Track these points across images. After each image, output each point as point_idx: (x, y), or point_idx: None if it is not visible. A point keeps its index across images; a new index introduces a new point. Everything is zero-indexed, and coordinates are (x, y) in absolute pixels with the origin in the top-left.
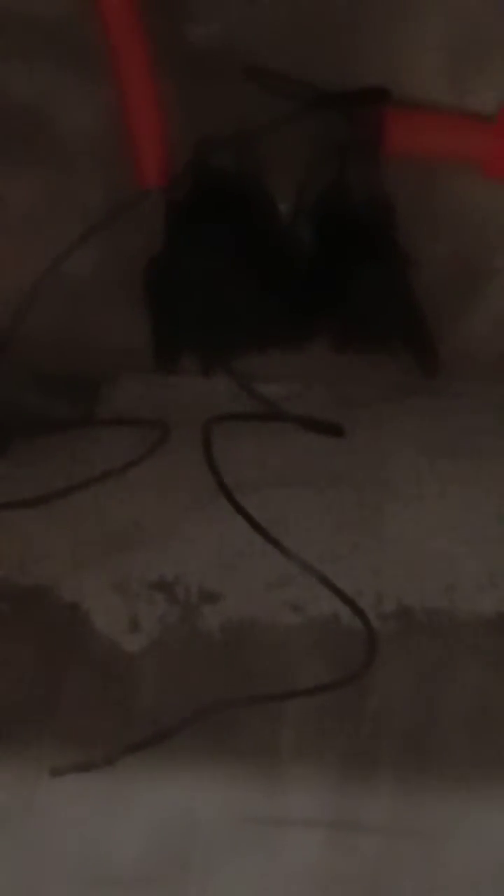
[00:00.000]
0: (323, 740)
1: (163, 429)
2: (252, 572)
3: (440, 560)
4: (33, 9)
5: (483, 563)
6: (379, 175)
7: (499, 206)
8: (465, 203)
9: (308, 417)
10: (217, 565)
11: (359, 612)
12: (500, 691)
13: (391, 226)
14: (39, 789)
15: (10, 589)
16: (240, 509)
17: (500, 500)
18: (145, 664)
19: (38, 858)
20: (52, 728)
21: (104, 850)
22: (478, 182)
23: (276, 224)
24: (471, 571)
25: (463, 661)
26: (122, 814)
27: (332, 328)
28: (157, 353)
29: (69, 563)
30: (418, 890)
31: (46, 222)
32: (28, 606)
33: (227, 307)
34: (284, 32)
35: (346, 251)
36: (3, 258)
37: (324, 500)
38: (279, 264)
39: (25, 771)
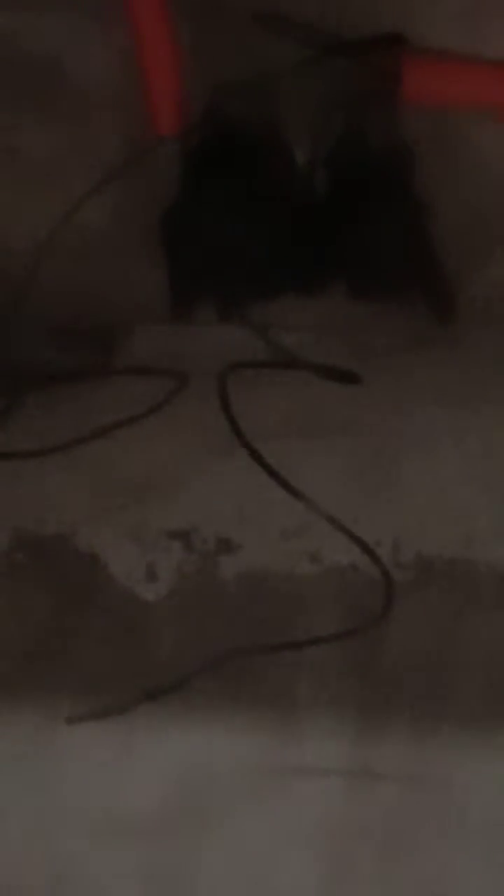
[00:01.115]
0: (340, 689)
1: (180, 378)
2: (269, 521)
3: (458, 510)
4: None
5: (499, 513)
6: (396, 122)
7: None
8: (483, 151)
9: (324, 365)
10: (234, 514)
11: (377, 560)
12: None
13: (408, 174)
14: (57, 737)
15: (28, 538)
16: (257, 458)
17: None
18: (162, 613)
19: (56, 806)
20: (70, 676)
21: (121, 797)
22: (496, 129)
23: (292, 171)
24: (489, 522)
25: (480, 611)
26: (139, 762)
27: (348, 276)
28: (173, 302)
29: (87, 512)
30: (435, 837)
31: (62, 172)
32: (46, 556)
33: (243, 254)
34: None
35: (362, 199)
36: (19, 210)
37: (341, 449)
38: (295, 212)
39: (43, 719)
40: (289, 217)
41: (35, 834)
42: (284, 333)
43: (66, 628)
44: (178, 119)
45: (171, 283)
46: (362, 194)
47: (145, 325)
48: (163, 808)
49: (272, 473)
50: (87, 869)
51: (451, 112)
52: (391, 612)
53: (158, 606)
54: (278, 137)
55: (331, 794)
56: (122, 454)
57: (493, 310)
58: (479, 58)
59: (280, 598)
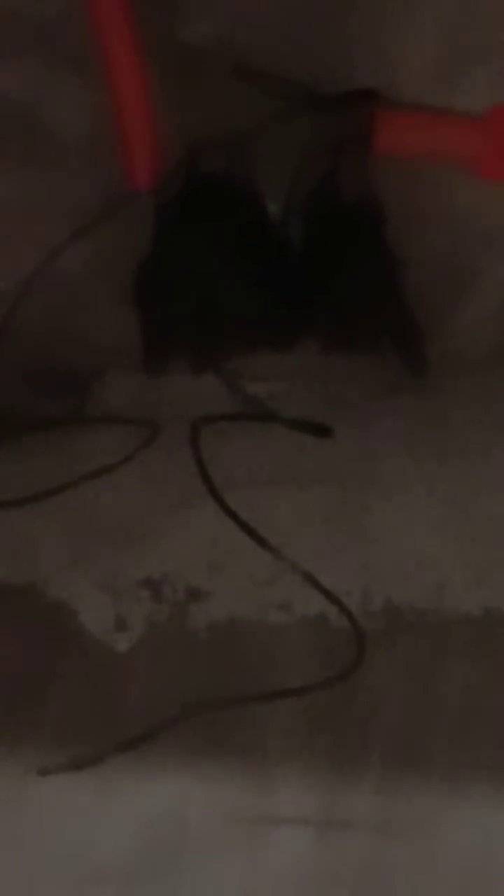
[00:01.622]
0: (311, 739)
1: (152, 427)
2: (239, 571)
3: (428, 559)
4: (24, 8)
5: (471, 562)
6: (368, 175)
7: (487, 205)
8: (454, 202)
9: (297, 419)
10: (205, 564)
11: (346, 611)
12: (486, 690)
13: (380, 226)
14: (28, 788)
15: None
16: (227, 509)
17: (487, 498)
18: (133, 663)
19: (28, 856)
20: (41, 727)
21: (93, 848)
22: (467, 181)
23: (266, 224)
24: (458, 570)
25: (450, 660)
26: (110, 812)
27: (321, 328)
28: (146, 355)
29: (57, 561)
30: (406, 887)
31: (36, 221)
32: (16, 605)
33: (218, 308)
34: (275, 33)
35: (335, 251)
36: None
37: (311, 498)
38: (269, 264)
39: (14, 770)
40: (263, 269)
41: (6, 885)
42: (256, 383)
43: (37, 678)
44: (154, 171)
45: (143, 337)
46: (335, 247)
47: (119, 373)
48: (135, 858)
49: (241, 525)
50: None
51: (423, 165)
52: (362, 662)
53: (129, 656)
54: (253, 191)
55: (302, 844)
56: (94, 503)
57: (463, 360)
58: (451, 112)
59: (251, 648)
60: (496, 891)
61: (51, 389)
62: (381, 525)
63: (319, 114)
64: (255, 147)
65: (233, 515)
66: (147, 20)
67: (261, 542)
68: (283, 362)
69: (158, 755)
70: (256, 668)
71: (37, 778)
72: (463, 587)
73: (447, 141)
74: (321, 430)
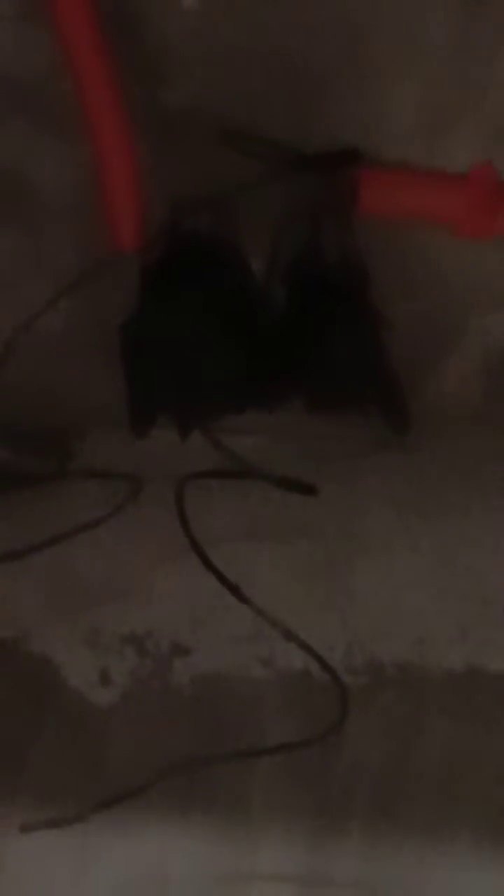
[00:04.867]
0: (293, 796)
1: (135, 483)
2: (222, 626)
3: (410, 614)
4: (8, 69)
5: (453, 618)
6: (352, 235)
7: (470, 265)
8: (438, 262)
9: (282, 476)
10: (188, 619)
11: (328, 668)
12: (469, 746)
13: (364, 286)
14: (10, 846)
15: None
16: (209, 565)
17: (469, 554)
18: (116, 719)
19: None
20: (23, 783)
21: None
22: (450, 241)
23: (250, 286)
24: (441, 626)
25: (433, 716)
26: (92, 869)
27: (305, 389)
28: (132, 418)
29: (40, 617)
30: None
31: (18, 281)
32: None
33: (203, 370)
34: (256, 95)
35: (319, 312)
36: None
37: (294, 554)
38: (254, 326)
39: None
40: (247, 331)
41: None
42: (239, 437)
43: (19, 734)
44: (138, 233)
45: (129, 401)
46: (319, 307)
47: (102, 429)
48: None
49: (224, 580)
50: None
51: (407, 225)
52: (346, 720)
53: (112, 712)
54: (237, 252)
55: None
56: (77, 559)
57: (445, 417)
58: (435, 172)
59: (234, 704)
60: None
61: (33, 446)
62: (363, 580)
63: (303, 174)
64: (238, 208)
65: (215, 571)
66: (130, 82)
67: (242, 598)
68: (267, 418)
69: (140, 812)
70: (239, 724)
71: (18, 835)
72: (445, 643)
73: (431, 200)
74: (306, 489)
